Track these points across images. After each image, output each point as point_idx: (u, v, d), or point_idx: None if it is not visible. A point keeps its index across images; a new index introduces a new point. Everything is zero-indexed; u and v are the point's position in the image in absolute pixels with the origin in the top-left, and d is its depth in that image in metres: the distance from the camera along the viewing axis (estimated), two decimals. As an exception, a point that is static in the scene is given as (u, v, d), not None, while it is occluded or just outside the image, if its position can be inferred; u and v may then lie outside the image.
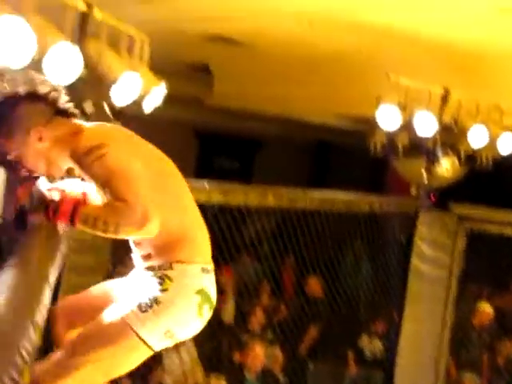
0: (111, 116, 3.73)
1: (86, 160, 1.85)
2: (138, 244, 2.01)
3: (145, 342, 1.88)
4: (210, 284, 1.99)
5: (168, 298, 1.90)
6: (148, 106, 4.23)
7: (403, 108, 5.49)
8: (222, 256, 4.57)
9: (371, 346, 6.99)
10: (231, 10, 5.45)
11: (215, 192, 3.45)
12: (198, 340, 3.83)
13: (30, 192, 1.86)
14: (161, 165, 2.10)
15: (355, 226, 5.18)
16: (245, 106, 8.60)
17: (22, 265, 1.36)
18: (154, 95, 4.02)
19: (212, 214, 3.96)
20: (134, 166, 1.89)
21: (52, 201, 1.85)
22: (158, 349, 1.95)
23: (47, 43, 3.11)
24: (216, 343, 5.58)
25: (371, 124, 5.43)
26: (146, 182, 1.88)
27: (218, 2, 5.18)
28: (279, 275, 6.07)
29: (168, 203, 1.98)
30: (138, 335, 1.87)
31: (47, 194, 1.90)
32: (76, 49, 3.14)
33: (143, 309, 1.88)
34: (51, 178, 1.96)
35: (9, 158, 1.88)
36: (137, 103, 4.15)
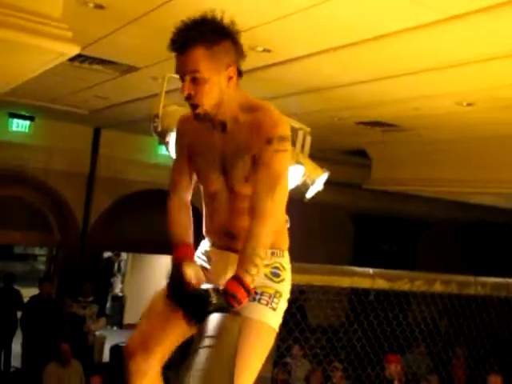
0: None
1: (274, 145, 1.86)
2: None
3: (275, 330, 2.02)
4: None
5: (285, 287, 2.04)
6: (310, 194, 4.33)
7: None
8: (388, 343, 4.43)
9: None
10: (389, 96, 5.53)
11: (380, 279, 3.41)
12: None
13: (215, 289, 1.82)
14: None
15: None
16: (402, 188, 8.51)
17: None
18: (317, 184, 4.12)
19: (376, 298, 3.90)
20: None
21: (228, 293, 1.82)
22: None
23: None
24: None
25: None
26: None
27: (376, 89, 5.29)
28: (450, 368, 5.68)
29: None
30: (275, 330, 2.00)
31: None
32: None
33: (274, 306, 1.99)
34: (204, 114, 1.92)
35: (194, 71, 1.87)
36: (298, 188, 4.27)
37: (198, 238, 2.21)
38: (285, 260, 2.06)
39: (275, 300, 1.99)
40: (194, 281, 1.89)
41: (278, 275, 2.01)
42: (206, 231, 2.15)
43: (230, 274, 1.95)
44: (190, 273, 1.91)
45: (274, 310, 1.99)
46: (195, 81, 1.88)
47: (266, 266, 1.99)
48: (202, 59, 1.86)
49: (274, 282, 2.01)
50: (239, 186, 1.97)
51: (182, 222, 2.10)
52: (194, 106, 1.92)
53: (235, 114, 1.95)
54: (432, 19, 3.55)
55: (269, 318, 1.98)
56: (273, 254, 2.02)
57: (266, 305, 1.98)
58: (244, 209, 1.97)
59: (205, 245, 2.17)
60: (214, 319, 1.74)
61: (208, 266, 2.11)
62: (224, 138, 1.97)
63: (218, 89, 1.90)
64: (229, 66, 1.92)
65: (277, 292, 2.00)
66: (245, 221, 1.96)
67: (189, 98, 1.91)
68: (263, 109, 1.95)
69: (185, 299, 1.85)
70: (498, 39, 3.77)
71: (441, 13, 3.44)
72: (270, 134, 1.88)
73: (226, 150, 1.97)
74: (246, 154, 1.92)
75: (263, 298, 1.97)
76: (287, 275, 2.05)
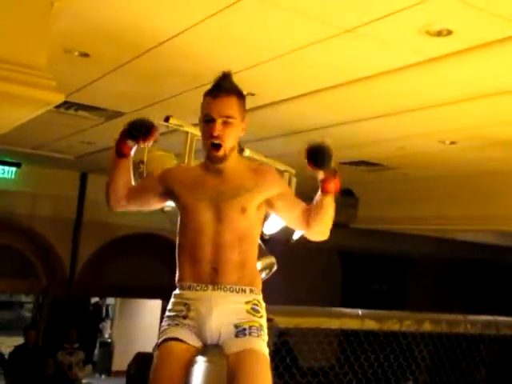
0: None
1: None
2: (238, 265, 2.14)
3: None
4: None
5: (264, 322, 2.17)
6: (296, 236, 4.33)
7: None
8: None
9: None
10: (373, 136, 5.60)
11: (369, 319, 3.39)
12: None
13: None
14: None
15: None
16: (389, 227, 8.54)
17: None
18: (303, 225, 4.14)
19: (365, 339, 3.87)
20: None
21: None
22: None
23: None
24: None
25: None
26: None
27: (360, 129, 5.36)
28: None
29: None
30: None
31: None
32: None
33: (263, 338, 2.11)
34: (223, 156, 2.17)
35: (228, 116, 2.16)
36: (284, 230, 4.27)
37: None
38: (261, 298, 2.20)
39: (262, 332, 2.11)
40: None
41: (258, 311, 2.14)
42: (185, 272, 2.18)
43: (215, 315, 2.07)
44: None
45: (264, 341, 2.11)
46: (225, 124, 2.15)
47: (247, 302, 2.12)
48: (236, 107, 2.18)
49: (256, 317, 2.13)
50: (232, 218, 2.14)
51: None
52: (218, 147, 2.15)
53: (234, 165, 2.22)
54: (412, 61, 3.63)
55: (264, 348, 2.08)
56: (251, 291, 2.15)
57: (258, 337, 2.08)
58: (232, 242, 2.13)
59: (178, 295, 2.19)
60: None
61: (187, 314, 2.13)
62: (217, 180, 2.19)
63: (236, 135, 2.19)
64: (244, 118, 2.23)
65: (261, 325, 2.13)
66: (232, 253, 2.12)
67: (217, 137, 2.14)
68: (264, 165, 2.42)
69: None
70: (477, 80, 3.86)
71: (420, 55, 3.53)
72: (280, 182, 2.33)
73: (219, 188, 2.17)
74: (248, 192, 2.17)
75: (252, 331, 2.08)
76: (264, 312, 2.19)
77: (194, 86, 4.40)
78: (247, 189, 2.18)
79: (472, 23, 3.04)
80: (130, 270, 9.57)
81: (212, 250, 2.12)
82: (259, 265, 3.04)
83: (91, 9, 3.26)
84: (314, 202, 2.26)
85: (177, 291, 2.19)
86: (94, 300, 12.77)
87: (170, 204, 2.74)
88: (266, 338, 2.13)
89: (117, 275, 9.67)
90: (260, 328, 2.11)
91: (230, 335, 2.07)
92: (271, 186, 2.24)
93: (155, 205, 2.39)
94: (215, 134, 2.13)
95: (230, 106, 2.16)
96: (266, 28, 3.39)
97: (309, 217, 2.27)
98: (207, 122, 2.16)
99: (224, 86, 2.18)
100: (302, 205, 2.30)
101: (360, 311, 3.38)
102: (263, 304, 2.20)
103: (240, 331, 2.07)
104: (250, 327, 2.08)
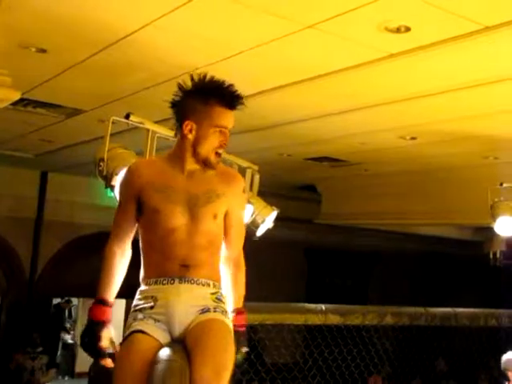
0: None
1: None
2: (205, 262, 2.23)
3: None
4: None
5: (227, 313, 2.27)
6: (260, 232, 4.34)
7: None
8: (342, 378, 4.42)
9: None
10: (335, 132, 5.64)
11: (332, 314, 3.42)
12: None
13: None
14: None
15: (483, 340, 4.87)
16: (352, 222, 8.62)
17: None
18: (267, 222, 4.14)
19: (329, 334, 3.90)
20: None
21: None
22: None
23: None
24: None
25: (488, 233, 5.23)
26: None
27: (322, 125, 5.38)
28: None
29: None
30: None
31: None
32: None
33: (228, 321, 2.20)
34: (219, 159, 2.30)
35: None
36: (248, 227, 4.27)
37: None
38: (222, 292, 2.30)
39: (227, 315, 2.23)
40: (106, 344, 2.21)
41: (222, 301, 2.25)
42: (153, 269, 2.24)
43: (183, 299, 2.15)
44: (105, 337, 2.21)
45: (229, 320, 2.22)
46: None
47: (212, 293, 2.22)
48: None
49: (221, 304, 2.24)
50: (206, 223, 2.21)
51: (118, 274, 2.35)
52: (219, 155, 2.27)
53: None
54: (371, 58, 3.66)
55: (228, 322, 2.20)
56: (214, 285, 2.25)
57: (223, 315, 2.19)
58: (204, 244, 2.21)
59: (144, 291, 2.25)
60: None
61: (155, 304, 2.19)
62: (187, 181, 2.24)
63: None
64: None
65: (226, 311, 2.24)
66: (203, 254, 2.21)
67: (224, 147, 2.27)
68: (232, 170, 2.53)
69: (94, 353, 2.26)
70: (435, 76, 3.91)
71: (380, 52, 3.56)
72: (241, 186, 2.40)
73: (192, 191, 2.23)
74: (219, 198, 2.25)
75: (217, 310, 2.19)
76: (225, 306, 2.28)
77: (156, 83, 4.35)
78: (218, 194, 2.26)
79: (429, 20, 3.08)
80: (93, 269, 9.37)
81: (185, 250, 2.20)
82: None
83: (48, 2, 3.19)
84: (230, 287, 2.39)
85: (142, 287, 2.25)
86: (56, 301, 12.56)
87: None
88: (230, 322, 2.22)
89: (79, 275, 9.51)
90: (225, 312, 2.22)
91: (195, 315, 2.15)
92: (236, 196, 2.34)
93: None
94: (227, 143, 2.26)
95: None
96: (228, 24, 3.37)
97: (225, 260, 2.38)
98: (219, 131, 2.26)
99: (239, 97, 2.27)
100: (237, 232, 2.37)
101: (323, 306, 3.42)
102: (224, 299, 2.29)
103: (205, 310, 2.16)
104: (215, 308, 2.18)
